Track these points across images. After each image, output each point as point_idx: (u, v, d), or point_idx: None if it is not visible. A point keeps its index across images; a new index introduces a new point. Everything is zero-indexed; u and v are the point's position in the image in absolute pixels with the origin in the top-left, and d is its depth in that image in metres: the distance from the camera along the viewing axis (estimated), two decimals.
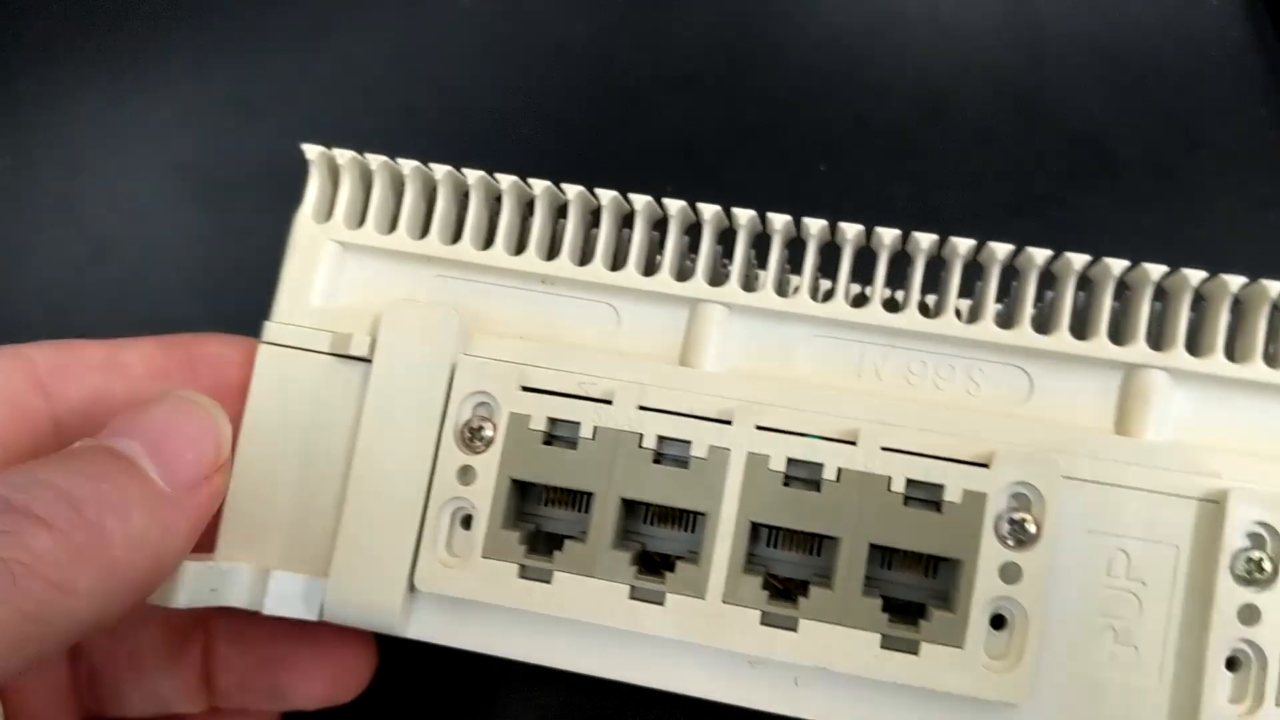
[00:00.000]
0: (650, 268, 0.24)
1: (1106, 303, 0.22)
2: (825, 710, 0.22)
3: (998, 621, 0.21)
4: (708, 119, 0.32)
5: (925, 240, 0.23)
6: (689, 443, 0.22)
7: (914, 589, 0.22)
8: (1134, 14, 0.33)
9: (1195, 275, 0.22)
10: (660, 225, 0.24)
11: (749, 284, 0.23)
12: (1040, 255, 0.22)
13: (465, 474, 0.23)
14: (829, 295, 0.23)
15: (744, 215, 0.23)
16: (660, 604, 0.22)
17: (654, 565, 0.23)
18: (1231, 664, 0.21)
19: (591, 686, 0.31)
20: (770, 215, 0.23)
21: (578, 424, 0.22)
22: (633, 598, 0.22)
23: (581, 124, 0.33)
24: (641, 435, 0.22)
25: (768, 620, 0.21)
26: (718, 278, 0.24)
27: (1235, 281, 0.22)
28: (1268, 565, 0.20)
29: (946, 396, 0.23)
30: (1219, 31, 0.32)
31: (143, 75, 0.36)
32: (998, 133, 0.32)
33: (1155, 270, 0.22)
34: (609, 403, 0.23)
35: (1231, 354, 0.22)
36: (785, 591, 0.22)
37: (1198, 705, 0.20)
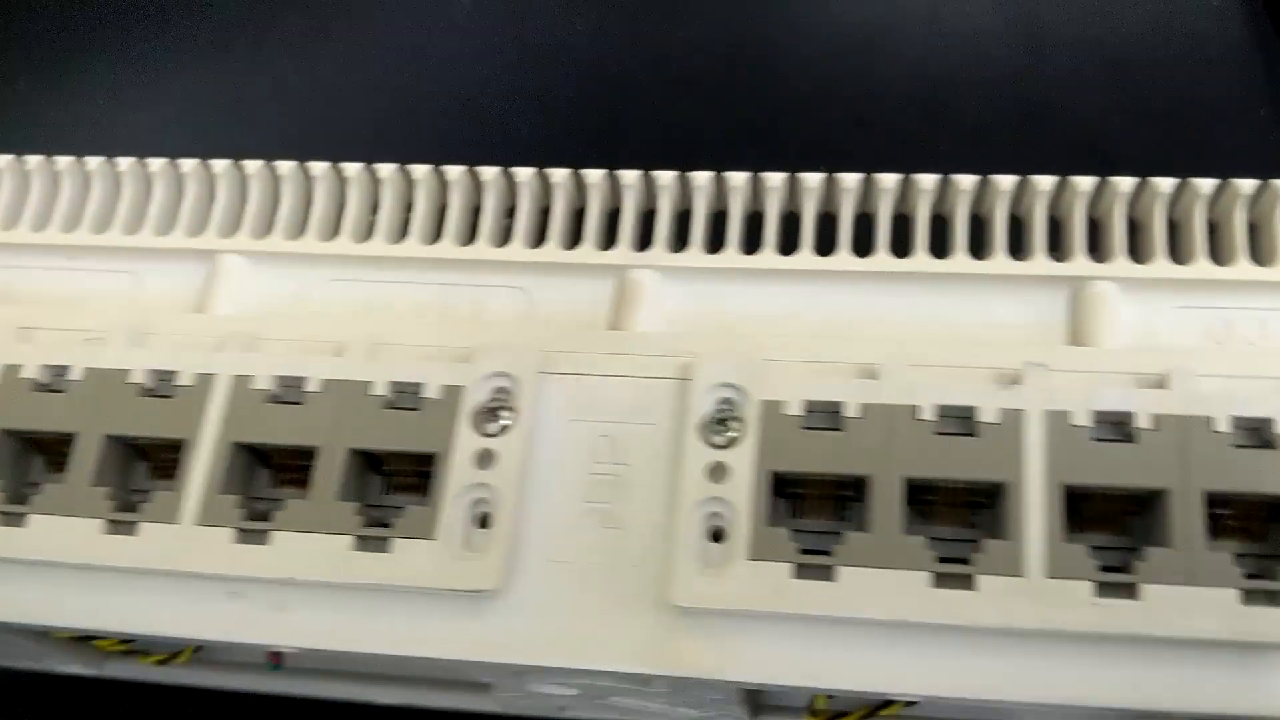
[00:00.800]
0: (171, 228, 0.24)
1: (595, 211, 0.23)
2: (308, 634, 0.20)
3: (485, 522, 0.20)
4: (708, 119, 0.32)
5: (420, 171, 0.23)
6: (175, 373, 0.21)
7: (405, 501, 0.21)
8: (1134, 14, 0.33)
9: (667, 175, 0.23)
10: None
11: (263, 231, 0.23)
12: (525, 174, 0.23)
13: None
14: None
15: (252, 166, 0.24)
16: (134, 535, 0.20)
17: None
18: (718, 535, 0.20)
19: None
20: (278, 164, 0.24)
21: (68, 368, 0.22)
22: (107, 532, 0.20)
23: (582, 124, 0.33)
24: (129, 370, 0.21)
25: (241, 539, 0.20)
26: (233, 229, 0.24)
27: (703, 176, 0.22)
28: (735, 424, 0.20)
29: (455, 318, 0.23)
30: (1219, 31, 0.32)
31: (142, 75, 0.36)
32: (998, 133, 0.31)
33: (631, 175, 0.23)
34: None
35: (713, 248, 0.22)
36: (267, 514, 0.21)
37: (673, 573, 0.19)
